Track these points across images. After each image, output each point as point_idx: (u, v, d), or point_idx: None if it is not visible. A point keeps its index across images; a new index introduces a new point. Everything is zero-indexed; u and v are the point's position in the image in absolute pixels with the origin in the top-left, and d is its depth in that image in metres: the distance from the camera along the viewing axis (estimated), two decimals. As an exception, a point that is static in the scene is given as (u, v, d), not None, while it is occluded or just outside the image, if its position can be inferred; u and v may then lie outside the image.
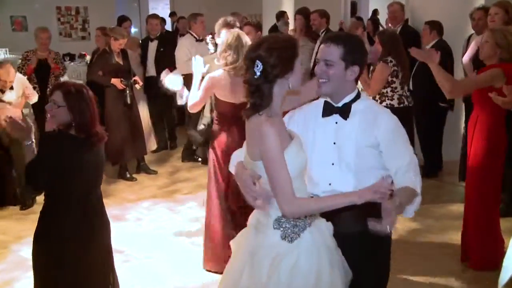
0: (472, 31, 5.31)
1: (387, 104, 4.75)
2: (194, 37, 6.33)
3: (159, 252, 4.14)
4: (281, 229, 2.05)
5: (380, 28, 8.10)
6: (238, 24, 4.16)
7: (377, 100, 4.80)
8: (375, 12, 11.19)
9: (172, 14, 10.81)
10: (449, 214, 4.71)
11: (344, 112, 2.20)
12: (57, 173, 2.46)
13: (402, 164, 2.15)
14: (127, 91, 5.68)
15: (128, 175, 5.97)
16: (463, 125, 5.93)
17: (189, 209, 5.03)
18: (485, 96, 3.43)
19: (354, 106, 2.21)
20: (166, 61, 6.31)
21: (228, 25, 4.04)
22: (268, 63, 1.98)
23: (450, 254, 3.94)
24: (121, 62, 5.74)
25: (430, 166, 5.69)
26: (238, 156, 2.24)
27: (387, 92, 4.80)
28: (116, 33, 5.67)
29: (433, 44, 5.38)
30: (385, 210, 1.99)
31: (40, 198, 4.09)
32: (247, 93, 2.05)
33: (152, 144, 6.74)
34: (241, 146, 2.28)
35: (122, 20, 7.20)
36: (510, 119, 3.65)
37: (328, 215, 2.13)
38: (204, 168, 6.18)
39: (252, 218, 2.19)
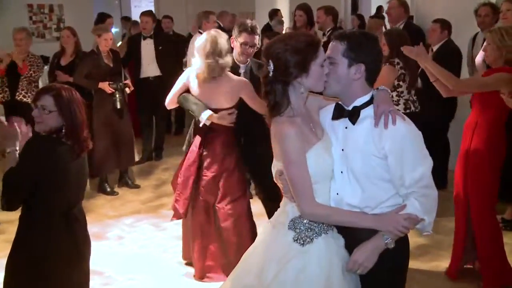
0: (478, 29, 5.37)
1: (413, 110, 4.78)
2: None
3: (143, 274, 4.14)
4: (296, 230, 2.17)
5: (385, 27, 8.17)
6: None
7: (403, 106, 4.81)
8: (380, 9, 11.26)
9: (125, 18, 10.52)
10: (460, 228, 4.73)
11: (352, 116, 2.21)
12: (42, 182, 2.46)
13: (409, 181, 2.14)
14: (117, 95, 5.67)
15: (108, 189, 5.96)
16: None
17: (175, 226, 4.99)
18: (487, 100, 3.51)
19: (365, 111, 2.20)
20: (170, 60, 6.39)
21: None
22: (279, 64, 2.09)
23: (462, 272, 3.96)
24: (110, 64, 5.74)
25: (438, 177, 5.72)
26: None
27: (392, 96, 4.80)
28: (98, 29, 5.68)
29: (442, 44, 5.42)
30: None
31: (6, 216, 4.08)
32: (263, 93, 2.17)
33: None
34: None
35: (103, 17, 7.21)
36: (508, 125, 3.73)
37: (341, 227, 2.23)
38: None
39: (274, 215, 2.33)
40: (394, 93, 4.78)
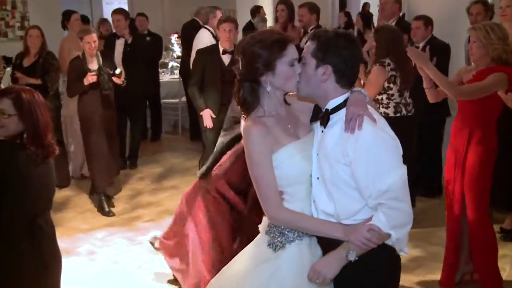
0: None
1: (381, 112, 4.81)
2: (211, 32, 6.43)
3: (116, 292, 4.11)
4: (270, 235, 2.27)
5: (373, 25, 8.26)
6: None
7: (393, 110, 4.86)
8: (365, 5, 11.39)
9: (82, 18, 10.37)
10: (457, 239, 4.78)
11: (323, 119, 2.24)
12: (2, 190, 2.45)
13: (375, 192, 2.13)
14: (102, 77, 5.40)
15: (107, 209, 5.67)
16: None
17: (152, 240, 5.01)
18: (485, 102, 3.61)
19: (338, 114, 2.21)
20: (144, 62, 6.42)
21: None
22: (246, 59, 2.19)
23: (461, 285, 4.01)
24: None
25: (434, 184, 5.77)
26: None
27: (382, 99, 4.85)
28: (80, 31, 5.57)
29: (427, 41, 5.46)
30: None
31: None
32: (235, 90, 2.26)
33: None
34: None
35: (68, 14, 7.16)
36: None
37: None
38: (170, 191, 6.18)
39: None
40: (384, 96, 4.82)
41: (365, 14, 9.10)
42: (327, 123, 2.22)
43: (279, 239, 2.25)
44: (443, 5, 6.02)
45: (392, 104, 4.83)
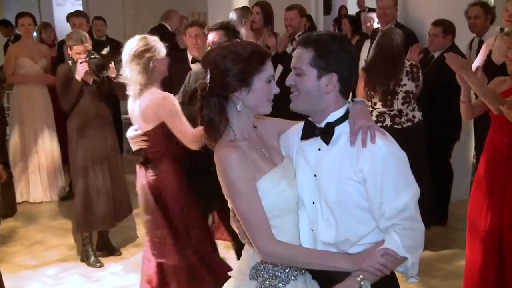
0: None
1: (386, 125, 4.93)
2: None
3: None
4: (258, 279, 2.19)
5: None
6: None
7: (374, 119, 4.95)
8: (342, 9, 11.60)
9: (3, 23, 9.90)
10: (459, 272, 4.80)
11: (326, 134, 2.22)
12: None
13: (390, 212, 2.14)
14: (92, 61, 5.00)
15: (92, 258, 5.22)
16: (472, 157, 6.16)
17: (112, 276, 4.96)
18: None
19: (340, 127, 2.23)
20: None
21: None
22: (217, 72, 2.15)
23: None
24: (89, 80, 5.16)
25: (438, 210, 5.80)
26: None
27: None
28: (68, 38, 5.25)
29: (445, 50, 5.53)
30: None
31: None
32: (198, 108, 2.21)
33: (60, 185, 6.84)
34: None
35: (19, 17, 7.10)
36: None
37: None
38: (132, 220, 6.12)
39: (235, 266, 2.36)
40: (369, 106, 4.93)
41: (354, 18, 9.24)
42: (331, 138, 2.21)
43: (271, 281, 2.18)
44: (443, 9, 6.09)
45: (375, 114, 4.99)
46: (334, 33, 2.34)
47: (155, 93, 3.66)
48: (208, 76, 2.17)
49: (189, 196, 3.79)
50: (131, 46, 3.69)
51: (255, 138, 2.26)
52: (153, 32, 7.97)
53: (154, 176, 3.71)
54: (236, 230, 2.29)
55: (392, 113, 5.00)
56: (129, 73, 3.64)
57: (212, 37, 3.93)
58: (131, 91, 3.70)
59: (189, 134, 3.53)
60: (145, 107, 3.63)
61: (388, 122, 4.98)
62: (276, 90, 2.23)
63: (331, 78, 2.19)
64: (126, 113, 9.40)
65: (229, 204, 2.24)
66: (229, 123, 2.19)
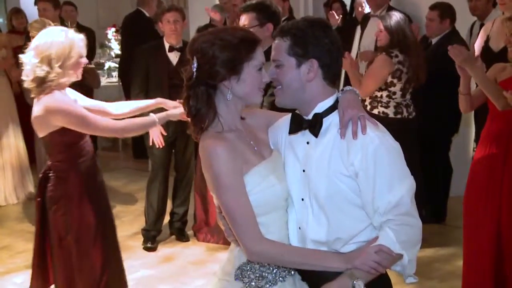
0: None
1: (379, 112, 4.92)
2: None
3: None
4: (244, 280, 2.21)
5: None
6: None
7: (366, 106, 4.95)
8: None
9: None
10: (459, 272, 4.82)
11: (314, 126, 2.24)
12: None
13: (384, 206, 2.15)
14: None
15: None
16: (472, 150, 6.18)
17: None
18: None
19: (329, 118, 2.24)
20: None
21: None
22: (204, 60, 2.16)
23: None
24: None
25: (437, 207, 5.83)
26: None
27: (381, 96, 4.95)
28: (33, 27, 5.20)
29: (443, 36, 5.56)
30: None
31: None
32: (184, 99, 2.22)
33: (28, 186, 6.74)
34: None
35: None
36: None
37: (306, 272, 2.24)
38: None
39: (219, 266, 2.36)
40: (385, 93, 4.93)
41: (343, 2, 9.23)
42: (319, 130, 2.22)
43: (257, 282, 2.19)
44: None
45: (392, 104, 4.94)
46: (312, 18, 2.35)
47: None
48: (195, 65, 2.18)
49: None
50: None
51: (243, 130, 2.28)
52: (130, 18, 7.98)
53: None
54: (222, 228, 2.30)
55: (405, 103, 5.00)
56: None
57: (243, 20, 3.89)
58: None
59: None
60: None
61: (405, 114, 4.98)
62: (267, 79, 2.25)
63: (311, 64, 2.22)
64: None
65: (215, 200, 2.25)
66: (217, 114, 2.21)
